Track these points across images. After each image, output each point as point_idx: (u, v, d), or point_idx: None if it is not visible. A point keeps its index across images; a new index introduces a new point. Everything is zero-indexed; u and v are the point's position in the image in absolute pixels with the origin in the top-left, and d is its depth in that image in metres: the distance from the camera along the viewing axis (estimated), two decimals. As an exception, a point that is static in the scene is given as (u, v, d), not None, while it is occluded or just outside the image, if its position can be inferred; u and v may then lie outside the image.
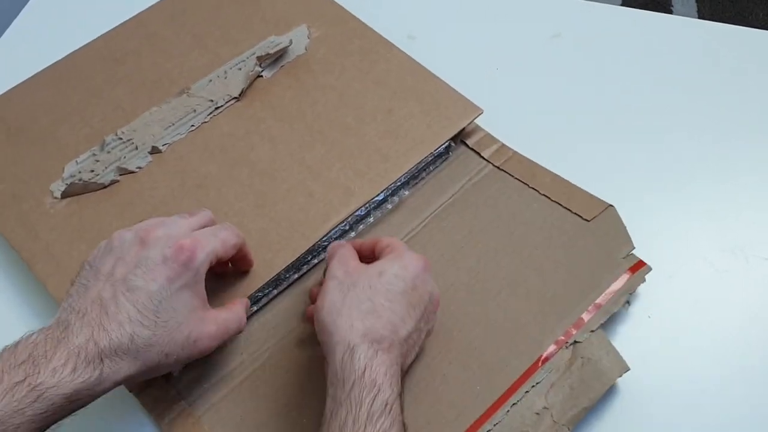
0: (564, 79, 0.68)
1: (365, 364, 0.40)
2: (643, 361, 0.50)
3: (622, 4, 1.54)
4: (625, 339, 0.51)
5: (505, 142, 0.61)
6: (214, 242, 0.44)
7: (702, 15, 1.64)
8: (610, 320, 0.51)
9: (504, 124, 0.61)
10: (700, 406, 0.49)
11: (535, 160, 0.59)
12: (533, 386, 0.48)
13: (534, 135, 0.61)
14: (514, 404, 0.47)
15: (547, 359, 0.49)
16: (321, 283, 0.48)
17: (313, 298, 0.51)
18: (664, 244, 0.56)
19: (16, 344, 0.39)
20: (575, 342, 0.49)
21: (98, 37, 0.67)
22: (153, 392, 0.50)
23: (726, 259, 0.55)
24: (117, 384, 0.40)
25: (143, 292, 0.41)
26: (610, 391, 0.49)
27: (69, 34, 0.67)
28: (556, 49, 0.70)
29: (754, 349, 0.51)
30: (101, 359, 0.39)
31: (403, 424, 0.40)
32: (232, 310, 0.47)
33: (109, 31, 0.68)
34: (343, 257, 0.47)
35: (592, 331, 0.49)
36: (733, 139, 0.62)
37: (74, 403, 0.38)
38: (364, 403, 0.38)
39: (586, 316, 0.50)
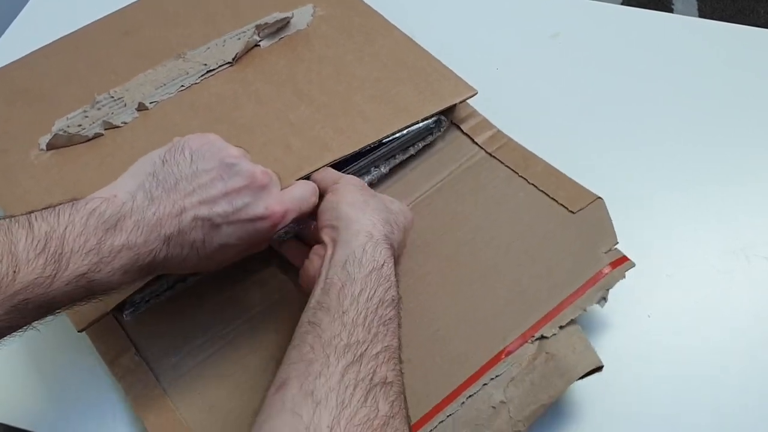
0: (564, 79, 0.66)
1: (385, 259, 0.41)
2: (643, 360, 0.49)
3: (622, 3, 1.49)
4: (624, 338, 0.50)
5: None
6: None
7: (703, 13, 1.61)
8: (609, 319, 0.50)
9: (503, 123, 0.59)
10: (700, 405, 0.48)
11: (532, 156, 0.57)
12: (492, 379, 0.45)
13: (533, 135, 0.59)
14: (470, 396, 0.44)
15: (510, 352, 0.46)
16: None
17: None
18: (664, 244, 0.55)
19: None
20: (542, 337, 0.46)
21: (114, 12, 0.67)
22: (123, 363, 0.49)
23: (727, 259, 0.54)
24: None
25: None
26: (608, 390, 0.48)
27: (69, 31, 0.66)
28: (556, 49, 0.69)
29: (755, 350, 0.50)
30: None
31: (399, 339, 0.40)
32: None
33: (126, 6, 0.68)
34: (354, 178, 0.49)
35: (561, 326, 0.46)
36: (734, 138, 0.61)
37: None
38: (378, 290, 0.39)
39: (557, 311, 0.47)
